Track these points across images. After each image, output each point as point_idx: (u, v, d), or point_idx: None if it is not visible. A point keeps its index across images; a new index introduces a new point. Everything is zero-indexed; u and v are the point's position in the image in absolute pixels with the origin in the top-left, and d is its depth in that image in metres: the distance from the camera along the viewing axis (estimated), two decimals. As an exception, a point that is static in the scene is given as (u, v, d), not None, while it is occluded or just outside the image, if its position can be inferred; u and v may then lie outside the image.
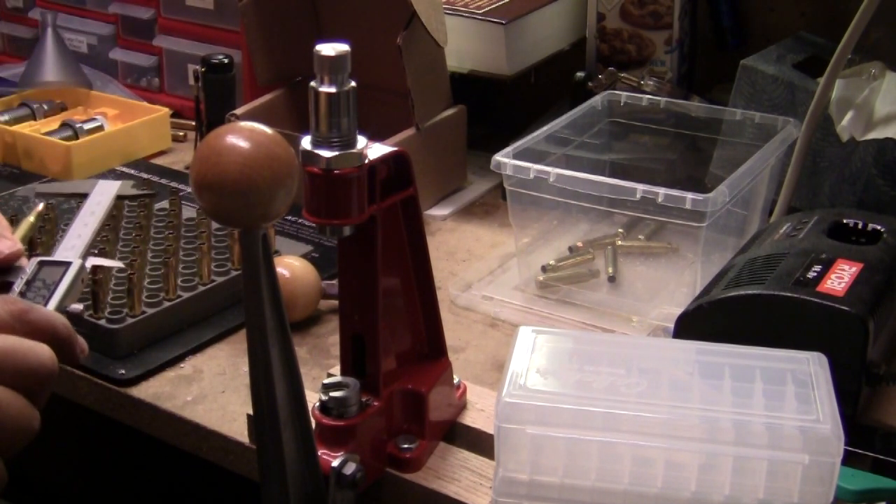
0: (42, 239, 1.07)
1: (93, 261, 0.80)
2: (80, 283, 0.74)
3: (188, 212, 1.20)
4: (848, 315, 0.82)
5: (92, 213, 0.82)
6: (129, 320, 1.00)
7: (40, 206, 0.96)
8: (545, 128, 1.14)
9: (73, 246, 0.78)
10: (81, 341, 0.68)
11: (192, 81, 1.49)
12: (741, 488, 0.70)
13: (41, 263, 0.75)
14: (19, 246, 0.75)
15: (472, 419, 0.87)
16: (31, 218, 0.95)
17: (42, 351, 0.62)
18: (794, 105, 1.16)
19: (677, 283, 1.10)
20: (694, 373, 0.75)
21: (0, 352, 0.61)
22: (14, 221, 1.13)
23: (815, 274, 0.87)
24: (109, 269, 1.04)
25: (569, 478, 0.72)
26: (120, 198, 0.97)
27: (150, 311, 1.02)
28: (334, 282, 1.03)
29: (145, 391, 0.97)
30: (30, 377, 0.61)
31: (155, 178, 1.33)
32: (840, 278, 0.86)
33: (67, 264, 0.74)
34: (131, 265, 1.04)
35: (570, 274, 1.12)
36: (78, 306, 0.72)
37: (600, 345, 0.80)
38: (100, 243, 1.08)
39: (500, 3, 1.35)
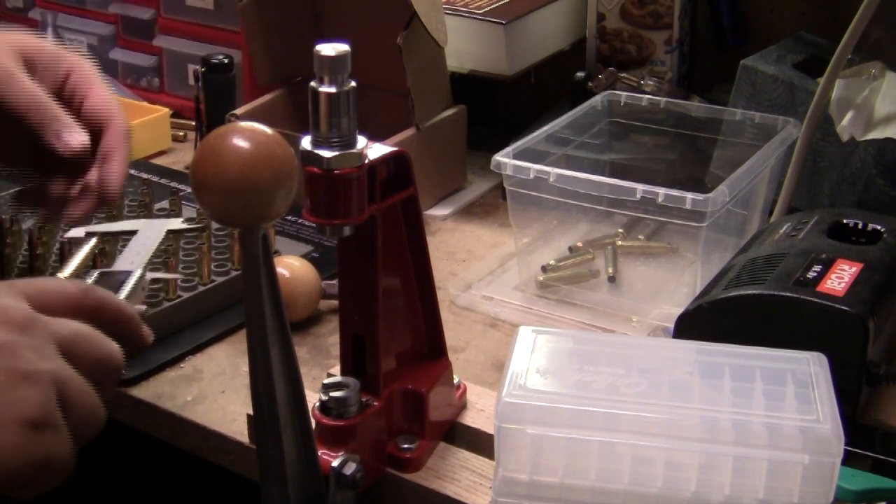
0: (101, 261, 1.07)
1: (152, 274, 0.81)
2: (140, 290, 0.74)
3: (188, 212, 1.20)
4: (848, 315, 0.82)
5: (143, 244, 0.84)
6: (129, 320, 1.00)
7: (93, 241, 0.98)
8: (545, 128, 1.14)
9: (132, 261, 0.80)
10: (147, 328, 0.68)
11: (192, 81, 1.49)
12: (741, 488, 0.70)
13: (101, 273, 0.75)
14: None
15: (472, 419, 0.87)
16: (86, 250, 0.97)
17: (112, 344, 0.62)
18: (794, 105, 1.16)
19: (677, 283, 1.10)
20: (694, 373, 0.75)
21: (78, 336, 0.60)
22: (14, 221, 1.13)
23: (815, 274, 0.87)
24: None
25: (569, 478, 0.72)
26: (171, 231, 1.00)
27: (151, 310, 1.01)
28: (334, 282, 1.03)
29: (145, 391, 0.97)
30: (101, 367, 0.61)
31: (155, 178, 1.33)
32: (840, 278, 0.86)
33: (128, 272, 0.75)
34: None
35: (570, 274, 1.12)
36: (141, 307, 0.72)
37: (600, 345, 0.80)
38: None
39: (500, 3, 1.35)
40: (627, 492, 0.71)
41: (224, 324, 1.05)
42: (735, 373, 0.74)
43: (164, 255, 1.07)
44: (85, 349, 0.60)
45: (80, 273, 0.95)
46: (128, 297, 0.72)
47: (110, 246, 1.08)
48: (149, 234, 0.85)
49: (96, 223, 1.12)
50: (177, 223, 1.04)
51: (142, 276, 0.75)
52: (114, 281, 0.74)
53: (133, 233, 0.87)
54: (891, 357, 0.89)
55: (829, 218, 0.96)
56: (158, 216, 1.18)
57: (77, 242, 1.00)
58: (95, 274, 0.75)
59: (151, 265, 1.00)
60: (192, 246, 1.11)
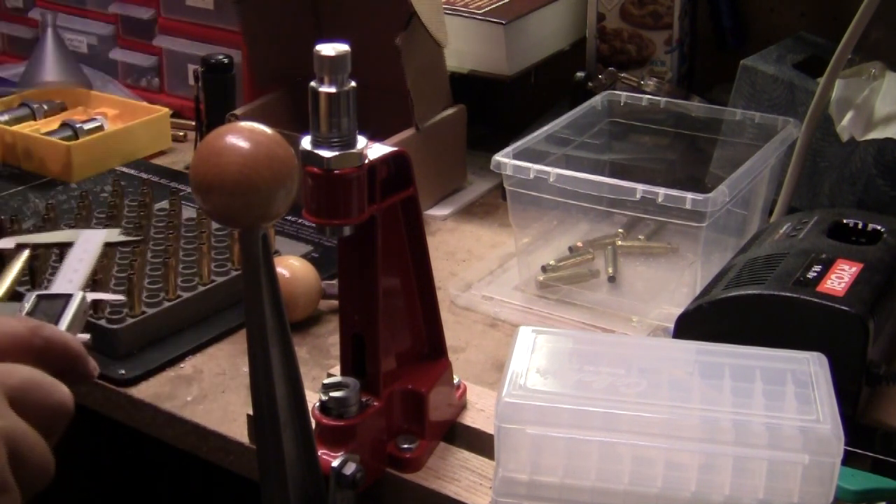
0: (37, 279, 1.05)
1: (92, 295, 0.78)
2: (82, 314, 0.72)
3: (188, 212, 1.20)
4: (848, 315, 0.82)
5: (80, 259, 0.80)
6: (129, 320, 1.00)
7: (26, 253, 0.94)
8: (545, 128, 1.14)
9: (70, 280, 0.76)
10: (92, 361, 0.66)
11: (192, 81, 1.49)
12: (741, 488, 0.70)
13: (40, 297, 0.72)
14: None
15: (472, 419, 0.87)
16: (19, 265, 0.94)
17: (63, 389, 0.58)
18: (794, 105, 1.16)
19: (677, 283, 1.10)
20: (694, 373, 0.75)
21: (27, 383, 0.57)
22: (14, 220, 1.13)
23: (815, 274, 0.87)
24: (110, 272, 1.04)
25: (569, 478, 0.72)
26: (108, 245, 0.95)
27: (150, 311, 1.02)
28: (334, 282, 1.03)
29: (145, 391, 0.97)
30: (52, 415, 0.57)
31: (155, 178, 1.33)
32: (840, 278, 0.86)
33: (68, 296, 0.72)
34: (131, 265, 1.04)
35: (570, 274, 1.12)
36: (84, 336, 0.70)
37: (600, 345, 0.80)
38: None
39: (500, 3, 1.35)
40: (627, 492, 0.71)
41: (224, 324, 1.05)
42: (735, 373, 0.74)
43: (163, 255, 1.06)
44: (35, 398, 0.56)
45: (14, 291, 0.90)
46: (69, 326, 0.70)
47: (42, 262, 1.05)
48: (85, 247, 0.82)
49: (29, 234, 1.07)
50: (114, 235, 1.01)
51: (83, 300, 0.72)
52: (53, 306, 0.71)
53: (68, 245, 0.84)
54: (891, 357, 0.89)
55: (829, 218, 0.96)
56: (158, 216, 1.18)
57: (9, 255, 0.96)
58: (33, 298, 0.71)
59: (93, 281, 0.96)
60: (192, 246, 1.11)
